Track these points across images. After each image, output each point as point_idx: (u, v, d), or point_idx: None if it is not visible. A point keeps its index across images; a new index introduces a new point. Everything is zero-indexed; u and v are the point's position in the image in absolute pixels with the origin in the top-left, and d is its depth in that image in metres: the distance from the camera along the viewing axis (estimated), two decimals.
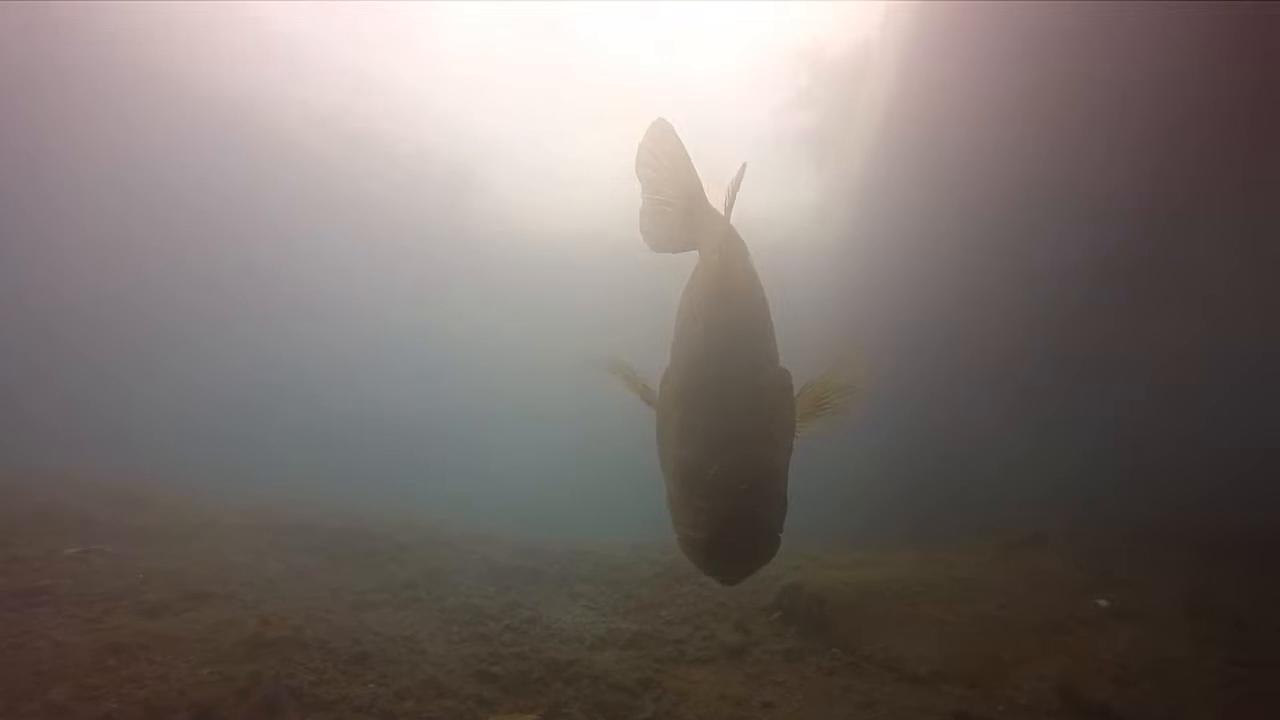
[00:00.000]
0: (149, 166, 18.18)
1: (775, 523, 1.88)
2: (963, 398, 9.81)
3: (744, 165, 2.96)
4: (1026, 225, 9.51)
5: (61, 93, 15.99)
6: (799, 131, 15.22)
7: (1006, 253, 9.82)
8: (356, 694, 3.32)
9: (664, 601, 5.16)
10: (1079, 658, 4.19)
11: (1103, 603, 5.10)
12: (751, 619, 4.79)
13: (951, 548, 6.58)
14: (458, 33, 16.74)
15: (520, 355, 19.51)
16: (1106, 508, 8.25)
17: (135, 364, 19.53)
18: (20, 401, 16.28)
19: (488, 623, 4.54)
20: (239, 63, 16.20)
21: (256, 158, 18.31)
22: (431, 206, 19.80)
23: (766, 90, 15.23)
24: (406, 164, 18.88)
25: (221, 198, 19.28)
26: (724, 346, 2.10)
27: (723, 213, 2.88)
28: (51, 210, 19.04)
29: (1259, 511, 7.06)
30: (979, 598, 5.10)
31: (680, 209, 2.80)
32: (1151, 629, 4.59)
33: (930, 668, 4.09)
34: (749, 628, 4.65)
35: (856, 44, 13.67)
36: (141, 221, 19.21)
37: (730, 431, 1.89)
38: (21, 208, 18.72)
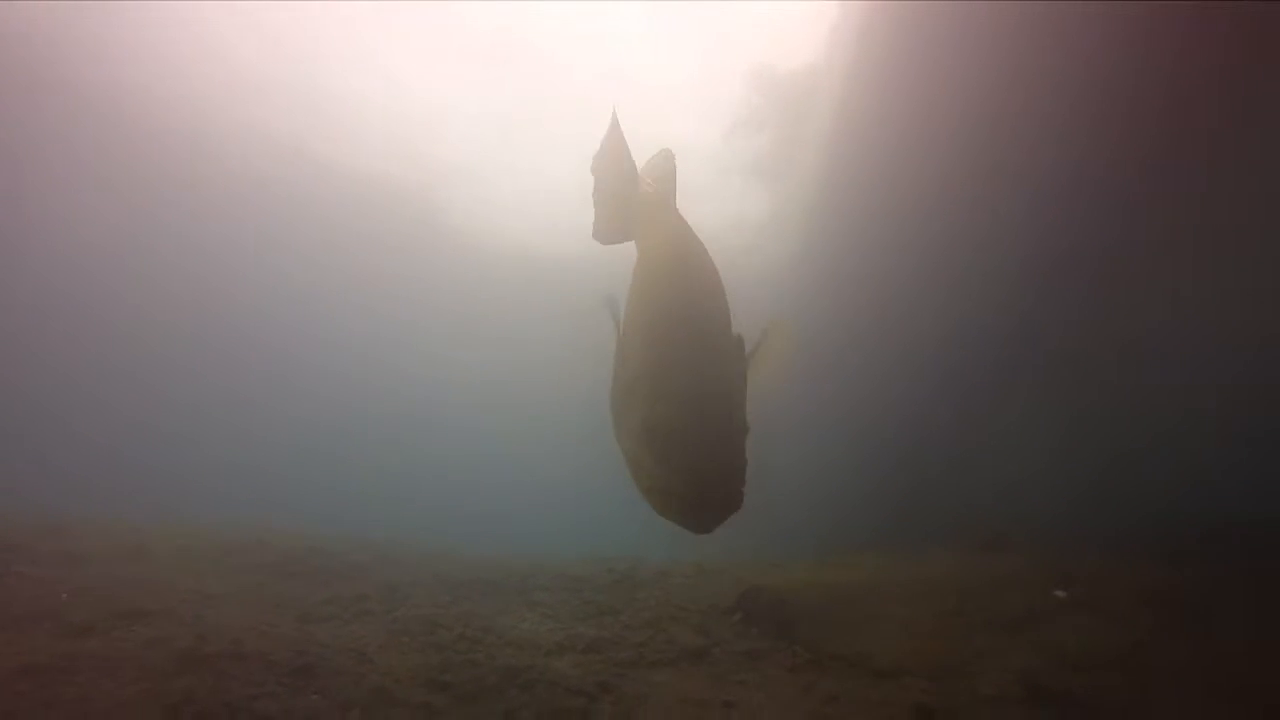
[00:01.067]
0: (93, 194, 17.64)
1: (742, 476, 1.98)
2: (920, 404, 9.90)
3: (666, 151, 3.08)
4: (975, 232, 9.71)
5: None
6: (751, 151, 15.44)
7: (956, 260, 10.00)
8: (298, 706, 3.15)
9: (623, 607, 5.04)
10: (1041, 649, 4.17)
11: (1060, 594, 5.12)
12: (713, 622, 4.70)
13: (914, 552, 6.59)
14: (417, 57, 16.73)
15: (483, 374, 19.33)
16: (1065, 510, 8.36)
17: (101, 389, 18.86)
18: None
19: (440, 632, 4.37)
20: (192, 87, 15.91)
21: (211, 180, 17.93)
22: (390, 228, 19.58)
23: (718, 111, 15.43)
24: (366, 184, 18.68)
25: (170, 221, 18.81)
26: (687, 311, 2.24)
27: (659, 194, 2.98)
28: None
29: (1221, 513, 7.21)
30: (941, 596, 5.08)
31: (620, 199, 2.96)
32: (1112, 620, 4.60)
33: (893, 662, 4.04)
34: (710, 630, 4.56)
35: (804, 66, 13.96)
36: (80, 248, 18.61)
37: (702, 391, 2.02)
38: None
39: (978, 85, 8.80)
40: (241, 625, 4.01)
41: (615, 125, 3.04)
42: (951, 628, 4.53)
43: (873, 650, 4.21)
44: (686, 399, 1.98)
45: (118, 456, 17.18)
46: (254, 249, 19.59)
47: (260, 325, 21.23)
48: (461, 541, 8.17)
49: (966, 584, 5.27)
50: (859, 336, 10.49)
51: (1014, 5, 8.04)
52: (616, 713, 3.38)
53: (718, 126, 15.32)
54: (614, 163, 3.00)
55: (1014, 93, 8.50)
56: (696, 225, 2.76)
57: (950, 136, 9.33)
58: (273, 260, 19.92)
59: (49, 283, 18.80)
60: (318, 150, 17.40)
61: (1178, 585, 5.22)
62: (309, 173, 17.78)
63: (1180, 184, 8.27)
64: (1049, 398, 9.37)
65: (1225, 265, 8.02)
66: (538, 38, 16.75)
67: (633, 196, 2.95)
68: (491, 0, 15.93)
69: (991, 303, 9.80)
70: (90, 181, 16.92)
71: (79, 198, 17.40)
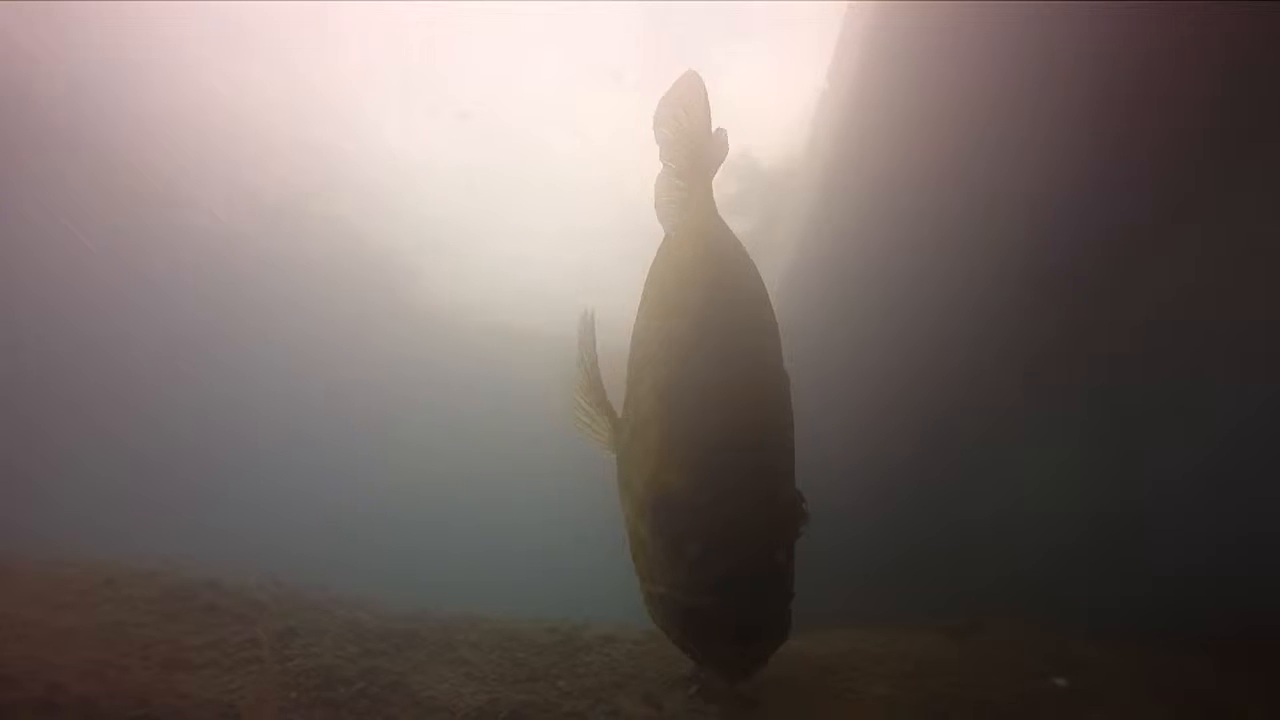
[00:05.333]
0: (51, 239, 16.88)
1: (791, 587, 1.33)
2: (897, 476, 9.41)
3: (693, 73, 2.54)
4: (957, 314, 9.46)
5: None
6: (738, 234, 15.40)
7: (939, 342, 9.73)
8: None
9: (562, 672, 4.31)
10: None
11: (1061, 682, 4.52)
12: (664, 693, 4.00)
13: (892, 625, 5.94)
14: (396, 120, 16.68)
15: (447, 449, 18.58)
16: (1044, 595, 7.80)
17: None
18: None
19: (337, 687, 3.62)
20: (162, 144, 15.55)
21: (173, 231, 17.31)
22: (361, 293, 19.04)
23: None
24: (338, 245, 18.22)
25: (129, 270, 17.97)
26: (724, 335, 1.55)
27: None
28: None
29: (1219, 601, 6.67)
30: (926, 676, 4.44)
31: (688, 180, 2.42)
32: (1121, 712, 4.01)
33: None
34: (660, 702, 3.86)
35: (783, 157, 14.11)
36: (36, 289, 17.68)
37: (742, 451, 1.33)
38: None
39: (960, 168, 8.69)
40: (79, 668, 3.23)
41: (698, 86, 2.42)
42: (941, 712, 3.89)
43: None
44: (718, 463, 1.32)
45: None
46: (224, 298, 18.90)
47: (219, 370, 20.32)
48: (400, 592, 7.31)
49: (953, 663, 4.64)
50: (839, 405, 10.08)
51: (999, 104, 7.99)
52: None
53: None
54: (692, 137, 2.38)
55: (996, 177, 8.41)
56: None
57: (931, 223, 9.19)
58: (237, 314, 19.21)
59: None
60: (299, 203, 17.06)
61: (1183, 675, 4.66)
62: (285, 228, 17.37)
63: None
64: (1035, 467, 8.95)
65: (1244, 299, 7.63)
66: (514, 117, 16.85)
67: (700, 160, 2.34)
68: (478, 73, 16.02)
69: (971, 379, 9.49)
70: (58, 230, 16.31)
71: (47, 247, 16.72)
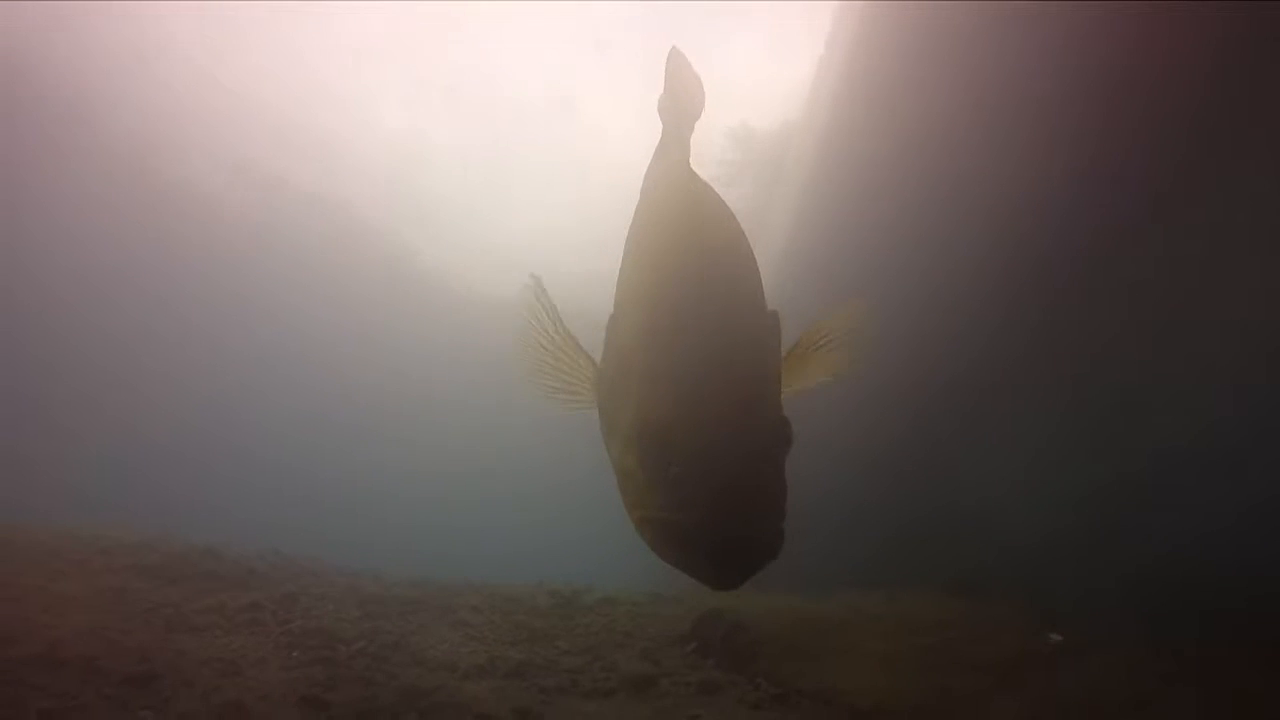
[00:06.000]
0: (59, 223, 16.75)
1: (779, 503, 1.34)
2: (895, 441, 9.43)
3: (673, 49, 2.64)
4: (952, 283, 9.43)
5: None
6: (732, 205, 15.31)
7: (934, 305, 9.69)
8: None
9: (561, 632, 4.34)
10: (1039, 694, 3.59)
11: (1056, 637, 4.56)
12: (662, 650, 4.04)
13: (885, 589, 5.98)
14: (396, 97, 16.50)
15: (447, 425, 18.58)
16: (1053, 552, 7.84)
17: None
18: None
19: (338, 646, 3.64)
20: (161, 111, 15.40)
21: (174, 210, 17.18)
22: (360, 268, 18.94)
23: (699, 166, 15.32)
24: (337, 223, 18.12)
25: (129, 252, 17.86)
26: (703, 267, 1.61)
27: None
28: None
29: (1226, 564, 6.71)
30: (922, 632, 4.49)
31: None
32: (1114, 667, 4.05)
33: (872, 701, 3.41)
34: (659, 659, 3.89)
35: (780, 125, 14.00)
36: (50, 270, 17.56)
37: (721, 378, 1.38)
38: None
39: (958, 130, 8.61)
40: (79, 629, 3.25)
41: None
42: (937, 665, 3.93)
43: (848, 686, 3.58)
44: (698, 391, 1.37)
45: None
46: (225, 278, 18.81)
47: (223, 347, 20.28)
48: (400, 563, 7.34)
49: (948, 620, 4.69)
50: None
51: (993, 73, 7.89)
52: None
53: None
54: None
55: (993, 159, 8.35)
56: None
57: (928, 186, 9.13)
58: (242, 286, 19.12)
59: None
60: (299, 182, 16.93)
61: (1185, 635, 4.71)
62: (287, 201, 17.26)
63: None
64: (1029, 436, 8.96)
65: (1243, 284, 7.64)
66: (516, 93, 16.68)
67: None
68: (473, 51, 15.86)
69: (968, 347, 9.47)
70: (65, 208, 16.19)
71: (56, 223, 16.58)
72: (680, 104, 2.58)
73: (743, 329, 1.50)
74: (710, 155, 14.99)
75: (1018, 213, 8.58)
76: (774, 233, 13.62)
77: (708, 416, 1.31)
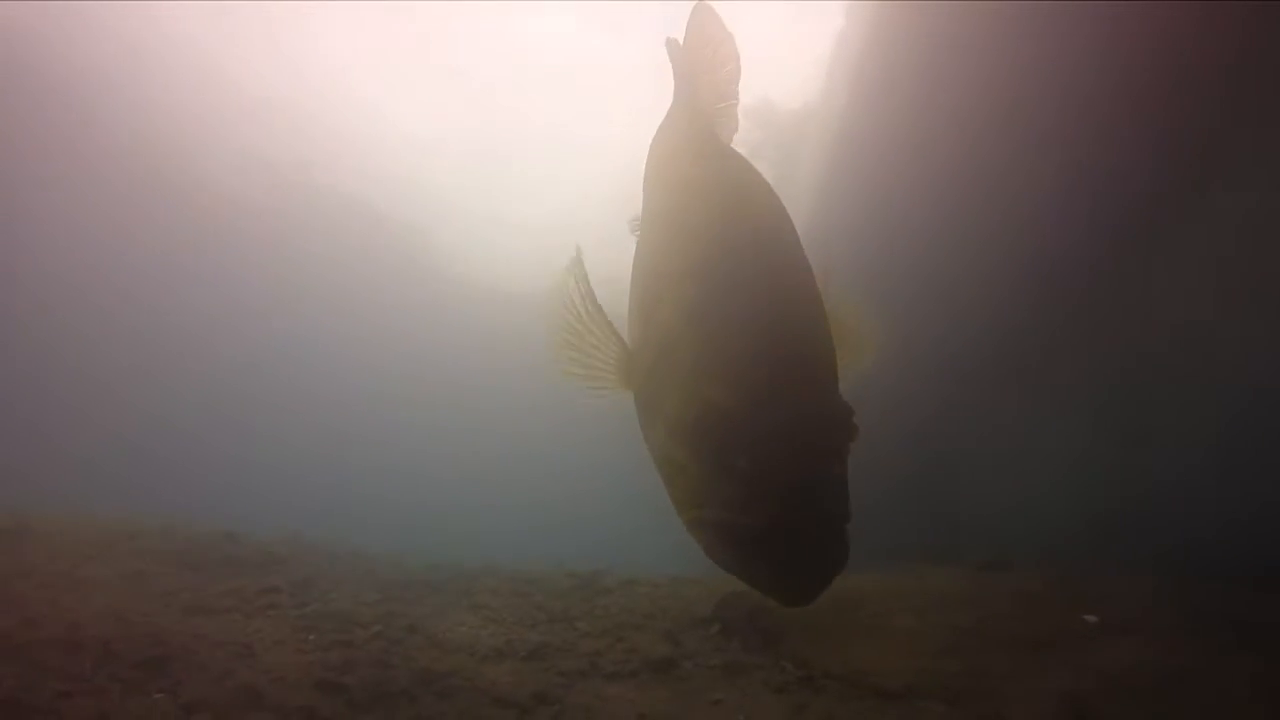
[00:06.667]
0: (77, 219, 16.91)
1: (849, 506, 1.22)
2: (922, 420, 9.25)
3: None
4: (977, 256, 9.20)
5: None
6: None
7: (956, 282, 9.48)
8: (126, 708, 2.38)
9: (581, 614, 4.27)
10: (1079, 671, 3.45)
11: (1091, 618, 4.41)
12: (685, 631, 3.95)
13: (914, 567, 5.85)
14: (407, 89, 16.39)
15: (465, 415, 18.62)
16: (1067, 537, 7.67)
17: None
18: None
19: (354, 630, 3.60)
20: (174, 103, 15.43)
21: (195, 207, 17.28)
22: (378, 260, 18.96)
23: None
24: (355, 218, 18.12)
25: (151, 237, 18.02)
26: (757, 240, 1.48)
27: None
28: None
29: (1234, 540, 6.53)
30: (953, 610, 4.36)
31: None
32: (1155, 642, 3.89)
33: (903, 682, 3.30)
34: (681, 640, 3.80)
35: (801, 100, 13.72)
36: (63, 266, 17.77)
37: (783, 354, 1.24)
38: None
39: (977, 117, 8.35)
40: (99, 612, 3.23)
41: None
42: (969, 645, 3.80)
43: (876, 668, 3.47)
44: (760, 369, 1.23)
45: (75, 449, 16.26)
46: (243, 268, 18.93)
47: (241, 336, 20.45)
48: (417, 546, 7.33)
49: (981, 599, 4.55)
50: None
51: (1012, 40, 7.63)
52: None
53: None
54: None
55: (1013, 130, 8.10)
56: None
57: (952, 158, 8.88)
58: (259, 279, 19.25)
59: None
60: (313, 177, 16.93)
61: (1212, 607, 4.54)
62: (301, 198, 17.29)
63: (1194, 193, 7.77)
64: (1059, 414, 8.74)
65: (1249, 274, 7.45)
66: (529, 77, 16.46)
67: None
68: (483, 40, 15.69)
69: (994, 324, 9.26)
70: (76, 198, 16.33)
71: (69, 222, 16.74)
72: (703, 68, 2.39)
73: (801, 305, 1.37)
74: (735, 137, 14.79)
75: (1057, 163, 8.32)
76: (799, 208, 13.43)
77: (778, 402, 1.17)
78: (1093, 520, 7.91)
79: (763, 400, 1.16)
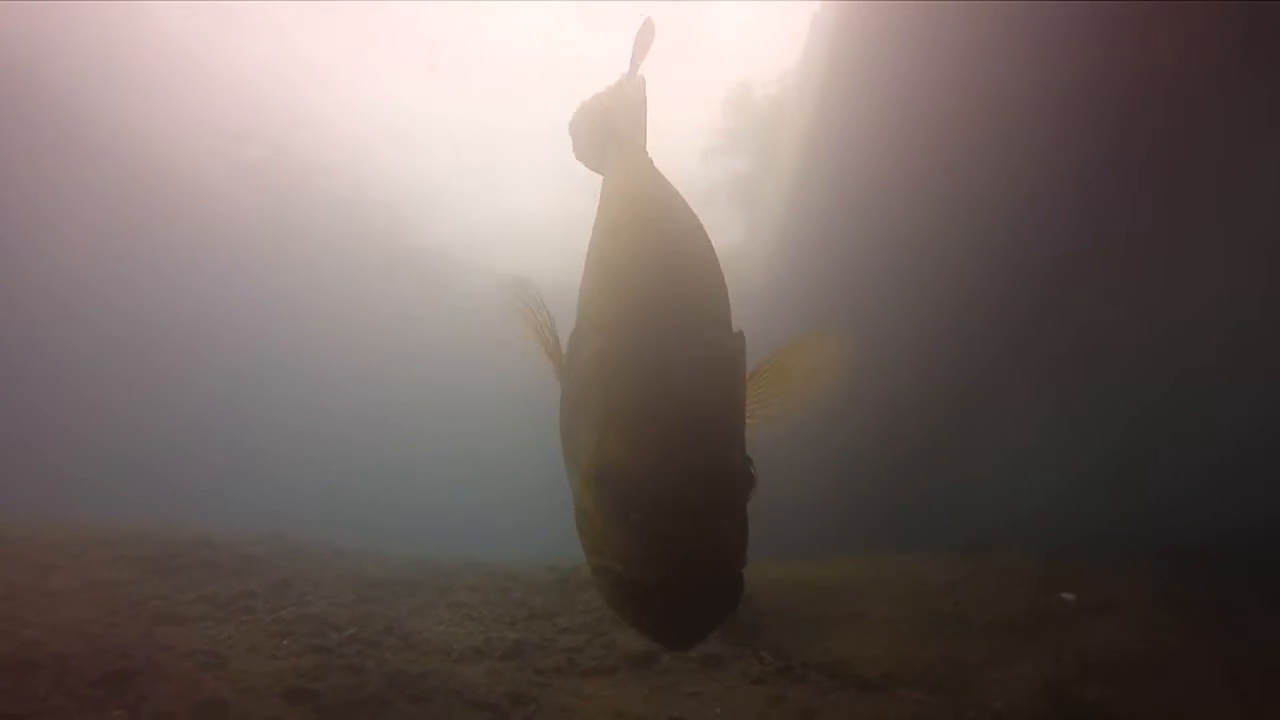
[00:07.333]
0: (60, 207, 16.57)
1: (741, 555, 1.26)
2: (899, 408, 9.28)
3: (649, 20, 2.48)
4: (954, 238, 9.22)
5: None
6: (731, 175, 14.90)
7: (935, 267, 9.50)
8: None
9: (561, 609, 4.24)
10: (1057, 656, 3.46)
11: (1069, 597, 4.43)
12: None
13: (896, 553, 5.86)
14: (387, 75, 16.16)
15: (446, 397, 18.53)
16: (1055, 512, 7.74)
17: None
18: None
19: (329, 633, 3.55)
20: (156, 101, 15.13)
21: (172, 198, 16.96)
22: (361, 246, 18.74)
23: (696, 135, 14.85)
24: (338, 205, 17.87)
25: (133, 238, 17.71)
26: (668, 288, 1.48)
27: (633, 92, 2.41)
28: None
29: (1210, 519, 6.62)
30: (932, 596, 4.37)
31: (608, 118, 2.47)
32: (1131, 624, 3.92)
33: (881, 671, 3.29)
34: None
35: (777, 87, 13.61)
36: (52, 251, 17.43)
37: (686, 417, 1.28)
38: None
39: (951, 100, 8.32)
40: (60, 626, 3.15)
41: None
42: (947, 631, 3.81)
43: (855, 656, 3.46)
44: (661, 432, 1.27)
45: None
46: (222, 257, 18.66)
47: (225, 328, 20.20)
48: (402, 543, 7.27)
49: (959, 583, 4.56)
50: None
51: (984, 24, 7.58)
52: None
53: (695, 149, 14.78)
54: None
55: (987, 111, 8.08)
56: None
57: (923, 152, 8.86)
58: (241, 267, 19.00)
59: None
60: (293, 160, 16.68)
61: (1187, 585, 4.58)
62: (283, 181, 17.04)
63: (1172, 181, 7.81)
64: (1035, 399, 8.81)
65: (1226, 260, 7.53)
66: (506, 59, 16.27)
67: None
68: (465, 21, 15.47)
69: (972, 309, 9.30)
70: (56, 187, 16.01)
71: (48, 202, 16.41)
72: (634, 109, 2.44)
73: (709, 361, 1.39)
74: (709, 124, 14.65)
75: (1033, 141, 8.32)
76: (772, 201, 13.34)
77: (671, 462, 1.21)
78: (1076, 500, 8.00)
79: (658, 460, 1.22)
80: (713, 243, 1.76)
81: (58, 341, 18.13)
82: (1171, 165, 7.26)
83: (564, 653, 3.47)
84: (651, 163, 2.13)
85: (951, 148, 8.38)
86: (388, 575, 5.01)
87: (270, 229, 17.80)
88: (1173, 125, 7.14)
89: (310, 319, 19.67)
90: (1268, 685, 3.03)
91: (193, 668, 2.92)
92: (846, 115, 9.87)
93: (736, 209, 14.87)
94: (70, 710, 2.40)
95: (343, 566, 5.16)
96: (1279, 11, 5.56)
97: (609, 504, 1.24)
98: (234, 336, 19.68)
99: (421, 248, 18.82)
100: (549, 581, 4.84)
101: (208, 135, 16.05)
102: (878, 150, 9.23)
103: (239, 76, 15.09)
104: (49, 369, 18.31)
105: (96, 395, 18.40)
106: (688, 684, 3.17)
